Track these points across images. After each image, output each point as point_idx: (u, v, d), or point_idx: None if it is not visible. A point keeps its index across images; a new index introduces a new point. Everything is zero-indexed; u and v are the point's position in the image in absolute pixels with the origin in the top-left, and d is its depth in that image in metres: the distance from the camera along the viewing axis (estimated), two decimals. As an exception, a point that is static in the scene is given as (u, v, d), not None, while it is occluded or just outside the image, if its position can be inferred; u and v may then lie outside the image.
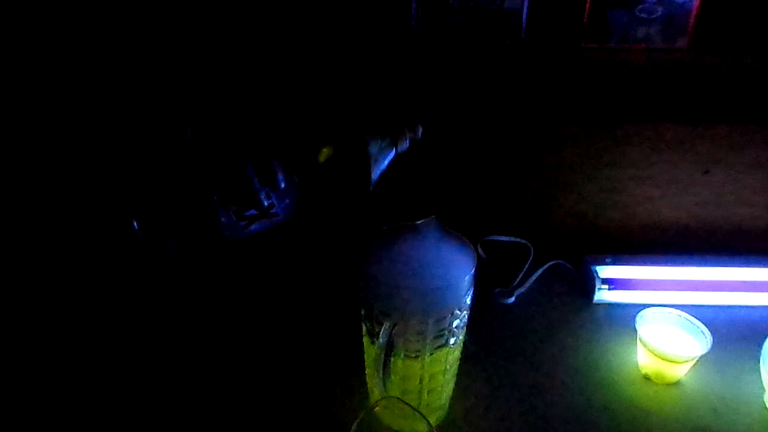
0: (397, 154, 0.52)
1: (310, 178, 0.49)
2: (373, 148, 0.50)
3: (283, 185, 0.47)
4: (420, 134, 0.53)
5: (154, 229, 0.45)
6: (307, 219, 0.72)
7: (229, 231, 0.46)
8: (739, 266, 0.78)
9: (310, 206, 0.51)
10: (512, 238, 0.87)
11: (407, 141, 0.52)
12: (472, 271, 0.48)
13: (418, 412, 0.45)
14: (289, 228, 0.50)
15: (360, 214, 0.67)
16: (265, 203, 0.47)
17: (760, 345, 0.62)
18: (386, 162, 0.51)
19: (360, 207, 0.70)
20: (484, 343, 0.69)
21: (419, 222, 0.49)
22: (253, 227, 0.48)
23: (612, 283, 0.76)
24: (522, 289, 0.79)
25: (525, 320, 0.74)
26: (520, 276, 0.82)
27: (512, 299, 0.78)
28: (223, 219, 0.46)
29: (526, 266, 0.83)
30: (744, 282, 0.76)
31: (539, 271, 0.82)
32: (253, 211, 0.47)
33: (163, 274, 0.72)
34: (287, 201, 0.48)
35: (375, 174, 0.49)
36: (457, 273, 0.48)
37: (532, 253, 0.85)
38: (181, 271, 0.74)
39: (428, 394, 0.54)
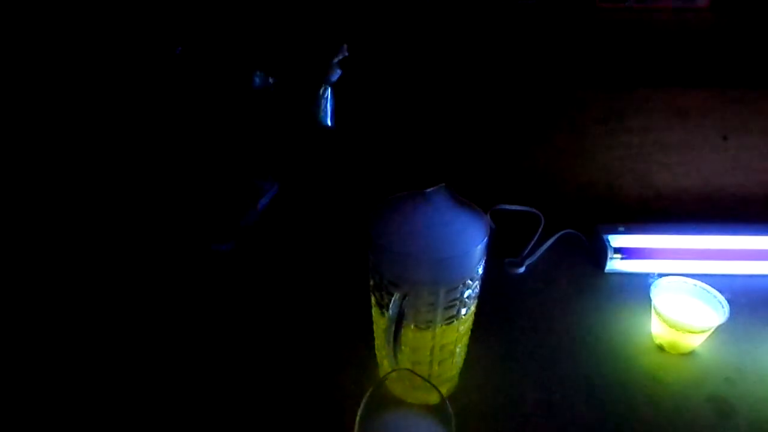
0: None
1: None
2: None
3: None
4: (345, 51, 0.52)
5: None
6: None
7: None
8: (757, 234, 0.76)
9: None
10: (522, 207, 0.85)
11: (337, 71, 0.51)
12: (485, 240, 0.47)
13: (430, 383, 0.44)
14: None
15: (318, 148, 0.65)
16: None
17: (777, 314, 0.60)
18: (328, 97, 0.50)
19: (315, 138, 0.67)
20: (494, 314, 0.68)
21: (429, 190, 0.48)
22: None
23: (624, 253, 0.75)
24: (532, 259, 0.78)
25: (536, 291, 0.73)
26: (530, 246, 0.80)
27: (522, 269, 0.76)
28: None
29: (537, 236, 0.82)
30: (761, 251, 0.74)
31: (550, 241, 0.81)
32: None
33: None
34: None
35: (324, 107, 0.48)
36: (469, 242, 0.46)
37: (543, 223, 0.83)
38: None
39: (439, 365, 0.53)
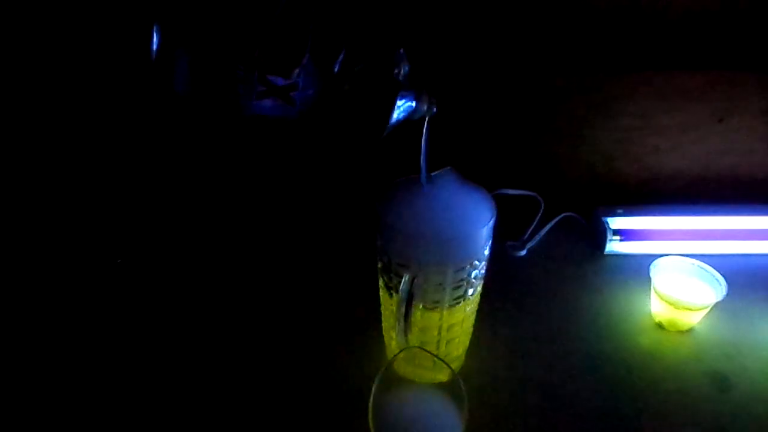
0: (409, 115, 0.48)
1: (338, 81, 0.43)
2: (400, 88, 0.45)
3: (337, 67, 0.41)
4: (434, 111, 0.49)
5: (169, 44, 0.37)
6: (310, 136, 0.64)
7: (242, 88, 0.40)
8: (751, 215, 0.78)
9: (322, 117, 0.45)
10: (522, 191, 0.86)
11: (425, 107, 0.48)
12: (492, 221, 0.48)
13: (441, 360, 0.45)
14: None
15: (364, 158, 0.62)
16: (294, 75, 0.40)
17: (773, 291, 0.62)
18: (402, 114, 0.47)
19: (368, 148, 0.65)
20: (498, 295, 0.69)
21: (435, 173, 0.48)
22: (264, 103, 0.41)
23: (623, 234, 0.76)
24: (533, 242, 0.79)
25: (537, 273, 0.74)
26: (530, 229, 0.81)
27: (524, 252, 0.78)
28: (239, 72, 0.39)
29: (537, 219, 0.83)
30: (757, 230, 0.76)
31: (550, 224, 0.82)
32: (277, 80, 0.40)
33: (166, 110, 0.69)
34: (310, 92, 0.41)
35: (391, 117, 0.45)
36: (476, 222, 0.47)
37: (543, 206, 0.85)
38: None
39: (446, 345, 0.54)
